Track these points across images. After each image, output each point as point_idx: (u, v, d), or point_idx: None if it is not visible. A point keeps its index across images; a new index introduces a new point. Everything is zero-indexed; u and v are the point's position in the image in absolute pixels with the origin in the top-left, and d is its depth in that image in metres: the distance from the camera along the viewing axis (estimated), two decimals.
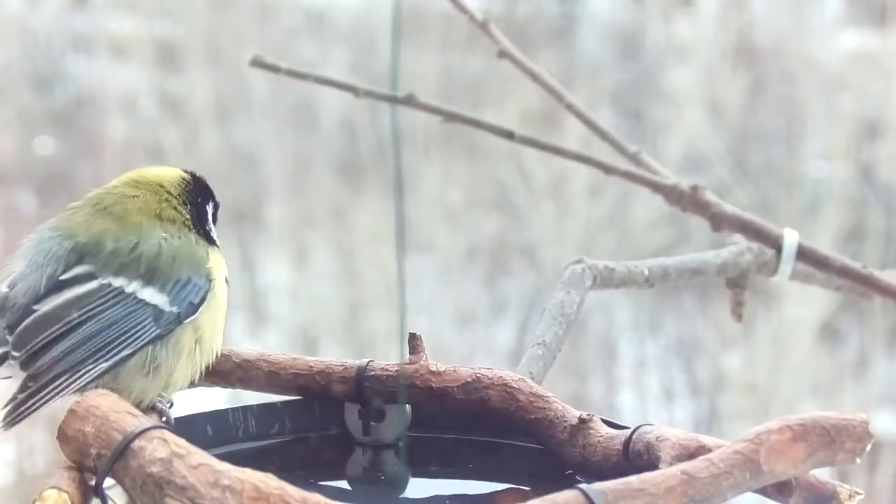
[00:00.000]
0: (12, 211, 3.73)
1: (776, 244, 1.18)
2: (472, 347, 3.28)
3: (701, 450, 0.78)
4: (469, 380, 0.88)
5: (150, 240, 0.85)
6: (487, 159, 3.52)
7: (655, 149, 3.31)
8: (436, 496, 0.84)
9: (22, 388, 0.79)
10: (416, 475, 0.86)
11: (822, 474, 0.76)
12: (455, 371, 0.88)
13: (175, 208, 0.88)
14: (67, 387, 0.80)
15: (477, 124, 1.11)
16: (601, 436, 0.84)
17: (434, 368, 0.88)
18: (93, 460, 0.71)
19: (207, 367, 0.86)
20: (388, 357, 0.90)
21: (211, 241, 0.89)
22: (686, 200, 1.16)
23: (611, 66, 3.72)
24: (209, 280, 0.86)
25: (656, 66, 3.60)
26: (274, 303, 3.71)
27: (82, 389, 0.79)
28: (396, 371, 0.88)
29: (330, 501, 0.65)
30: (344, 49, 3.77)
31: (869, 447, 0.73)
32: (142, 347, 0.82)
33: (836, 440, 0.72)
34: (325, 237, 3.62)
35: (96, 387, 0.80)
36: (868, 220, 3.36)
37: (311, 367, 0.89)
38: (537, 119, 3.08)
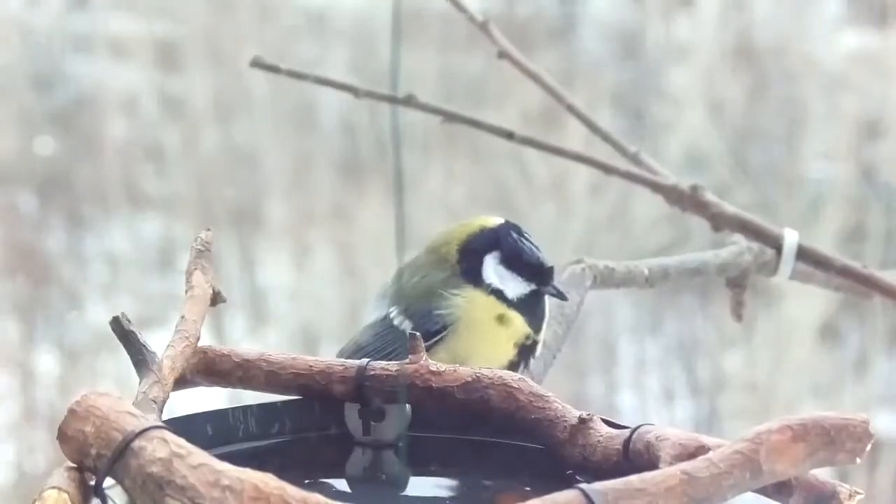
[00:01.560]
0: (12, 211, 3.73)
1: (776, 244, 1.18)
2: None
3: (701, 450, 0.78)
4: (469, 380, 0.88)
5: (419, 276, 0.98)
6: (488, 159, 3.52)
7: (656, 149, 3.31)
8: (436, 496, 0.84)
9: None
10: (416, 475, 0.86)
11: (822, 474, 0.76)
12: (455, 371, 0.88)
13: (453, 254, 0.98)
14: None
15: (477, 125, 1.11)
16: (601, 436, 0.84)
17: (434, 368, 0.88)
18: (93, 460, 0.71)
19: None
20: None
21: (487, 287, 0.97)
22: (686, 200, 1.16)
23: (611, 66, 3.72)
24: (450, 314, 0.96)
25: (656, 66, 3.61)
26: (274, 302, 3.71)
27: None
28: (396, 371, 0.88)
29: (330, 501, 0.65)
30: (344, 49, 3.77)
31: (869, 447, 0.73)
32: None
33: (836, 440, 0.72)
34: (325, 237, 3.63)
35: None
36: (869, 220, 3.36)
37: (311, 366, 0.89)
38: (538, 119, 3.08)
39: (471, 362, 0.93)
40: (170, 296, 3.50)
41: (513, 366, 0.97)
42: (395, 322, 0.97)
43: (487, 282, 0.97)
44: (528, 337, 0.98)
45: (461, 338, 0.96)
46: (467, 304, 0.96)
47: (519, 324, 0.97)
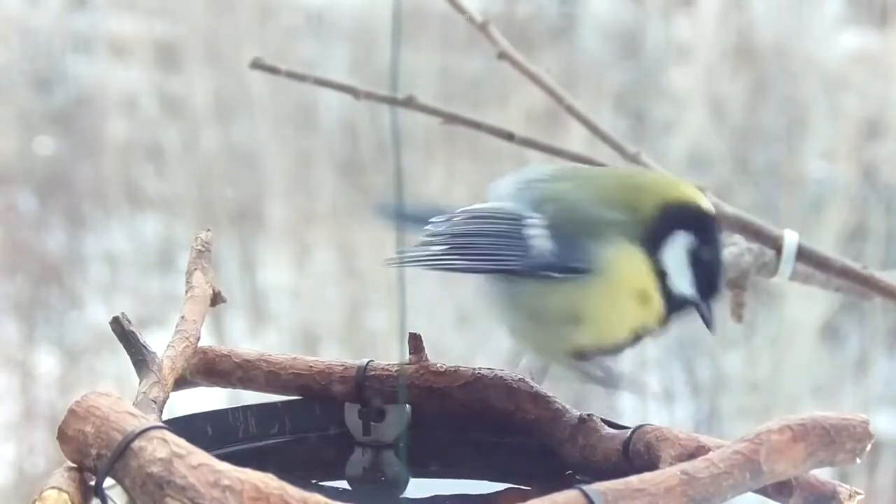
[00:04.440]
0: (12, 211, 3.73)
1: (776, 245, 1.18)
2: (472, 347, 3.27)
3: (701, 450, 0.78)
4: (469, 380, 0.88)
5: (581, 193, 0.84)
6: (490, 159, 3.52)
7: (657, 149, 3.31)
8: (436, 496, 0.84)
9: (421, 244, 0.85)
10: (416, 475, 0.86)
11: (822, 474, 0.76)
12: (455, 371, 0.88)
13: (648, 201, 0.83)
14: (434, 264, 0.85)
15: (477, 126, 1.11)
16: (601, 436, 0.84)
17: (434, 368, 0.89)
18: (93, 460, 0.71)
19: (588, 352, 0.85)
20: (388, 357, 0.90)
21: (651, 255, 0.83)
22: None
23: (611, 66, 3.72)
24: (598, 262, 0.81)
25: (657, 66, 3.60)
26: (274, 302, 3.71)
27: (447, 271, 0.84)
28: (396, 371, 0.88)
29: (330, 501, 0.65)
30: (344, 49, 3.77)
31: (869, 447, 0.73)
32: (495, 271, 0.83)
33: (836, 440, 0.72)
34: (325, 237, 3.62)
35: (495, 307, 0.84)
36: (869, 220, 3.35)
37: (311, 367, 0.89)
38: (540, 119, 3.08)
39: (585, 325, 0.82)
40: (170, 296, 3.49)
41: (617, 349, 0.85)
42: (528, 231, 0.82)
43: (661, 257, 0.83)
44: (649, 328, 0.84)
45: (594, 293, 0.81)
46: (620, 260, 0.81)
47: (655, 311, 0.83)
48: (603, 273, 0.82)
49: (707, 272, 0.84)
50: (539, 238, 0.82)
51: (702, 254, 0.83)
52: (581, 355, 0.86)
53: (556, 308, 0.83)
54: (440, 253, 0.84)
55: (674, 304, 0.84)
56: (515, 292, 0.84)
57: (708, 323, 0.84)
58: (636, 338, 0.85)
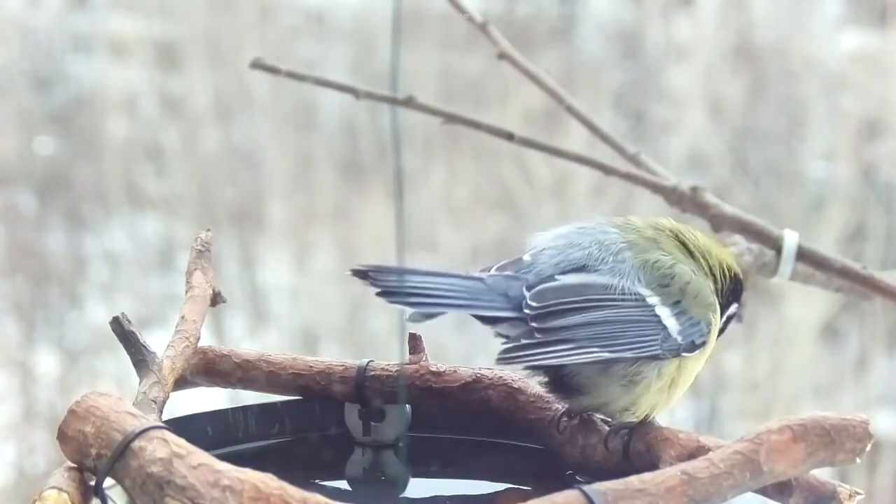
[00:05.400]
0: (12, 211, 3.73)
1: (776, 245, 1.18)
2: (472, 347, 3.27)
3: (701, 450, 0.78)
4: (469, 380, 0.88)
5: (684, 266, 0.86)
6: (490, 159, 3.52)
7: (657, 149, 3.31)
8: (436, 496, 0.84)
9: (528, 336, 0.81)
10: (416, 475, 0.86)
11: (822, 474, 0.76)
12: (455, 371, 0.88)
13: (696, 249, 0.89)
14: (566, 357, 0.81)
15: (476, 125, 1.11)
16: (601, 435, 0.84)
17: (434, 368, 0.89)
18: (93, 460, 0.71)
19: (662, 410, 0.86)
20: (388, 357, 0.90)
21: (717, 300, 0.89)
22: (686, 201, 1.16)
23: (611, 66, 3.72)
24: (710, 330, 0.86)
25: (656, 66, 3.61)
26: (274, 303, 3.71)
27: (575, 365, 0.82)
28: (396, 371, 0.88)
29: (330, 501, 0.65)
30: (344, 49, 3.77)
31: (869, 447, 0.73)
32: (642, 358, 0.83)
33: (836, 440, 0.72)
34: (325, 237, 3.63)
35: (575, 370, 0.83)
36: (869, 220, 3.36)
37: (311, 367, 0.89)
38: (540, 118, 3.08)
39: (683, 385, 0.86)
40: (170, 296, 3.50)
41: None
42: (659, 313, 0.84)
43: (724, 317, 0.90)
44: None
45: (698, 359, 0.86)
46: (715, 323, 0.87)
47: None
48: (709, 342, 0.87)
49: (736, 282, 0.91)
50: (671, 319, 0.85)
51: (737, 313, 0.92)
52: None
53: (667, 377, 0.84)
54: (576, 346, 0.82)
55: (724, 327, 0.91)
56: (641, 371, 0.84)
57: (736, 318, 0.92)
58: None
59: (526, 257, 0.86)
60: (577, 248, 0.86)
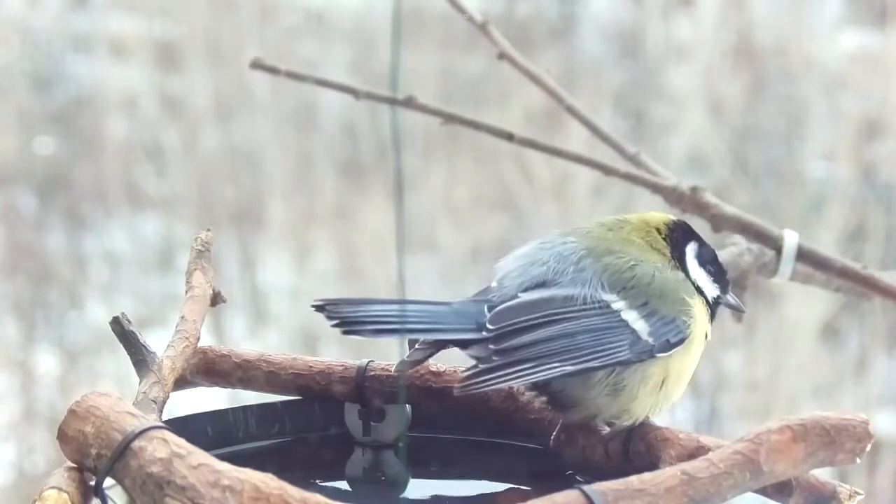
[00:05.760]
0: (12, 211, 3.73)
1: (776, 245, 1.18)
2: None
3: (701, 450, 0.78)
4: None
5: (645, 265, 0.85)
6: (491, 159, 3.52)
7: (657, 149, 3.31)
8: (436, 496, 0.84)
9: (486, 360, 0.81)
10: (416, 475, 0.86)
11: (822, 474, 0.76)
12: (455, 371, 0.88)
13: (662, 241, 0.88)
14: (528, 376, 0.81)
15: (476, 126, 1.11)
16: (601, 436, 0.84)
17: (434, 368, 0.89)
18: (93, 460, 0.71)
19: (661, 410, 0.85)
20: (388, 357, 0.90)
21: (696, 290, 0.87)
22: (686, 201, 1.16)
23: (611, 66, 3.72)
24: (689, 325, 0.84)
25: (657, 66, 3.60)
26: (274, 303, 3.71)
27: (542, 382, 0.81)
28: (396, 371, 0.88)
29: (330, 501, 0.65)
30: (344, 49, 3.77)
31: (869, 447, 0.73)
32: (609, 365, 0.82)
33: (836, 440, 0.72)
34: (326, 237, 3.62)
35: (559, 386, 0.82)
36: (869, 220, 3.36)
37: (311, 367, 0.89)
38: (541, 119, 3.08)
39: (678, 381, 0.84)
40: (170, 296, 3.49)
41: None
42: (626, 317, 0.83)
43: (692, 276, 0.87)
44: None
45: (684, 353, 0.84)
46: (699, 317, 0.85)
47: (708, 338, 0.87)
48: (692, 334, 0.85)
49: (713, 266, 0.89)
50: (639, 322, 0.83)
51: (706, 252, 0.89)
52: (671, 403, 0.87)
53: (656, 376, 0.83)
54: (536, 364, 0.81)
55: (713, 313, 0.88)
56: (622, 376, 0.83)
57: (737, 308, 0.90)
58: None
59: (493, 283, 0.86)
60: (537, 265, 0.85)
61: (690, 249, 0.88)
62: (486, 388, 0.81)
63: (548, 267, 0.85)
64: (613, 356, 0.82)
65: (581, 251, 0.85)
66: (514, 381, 0.81)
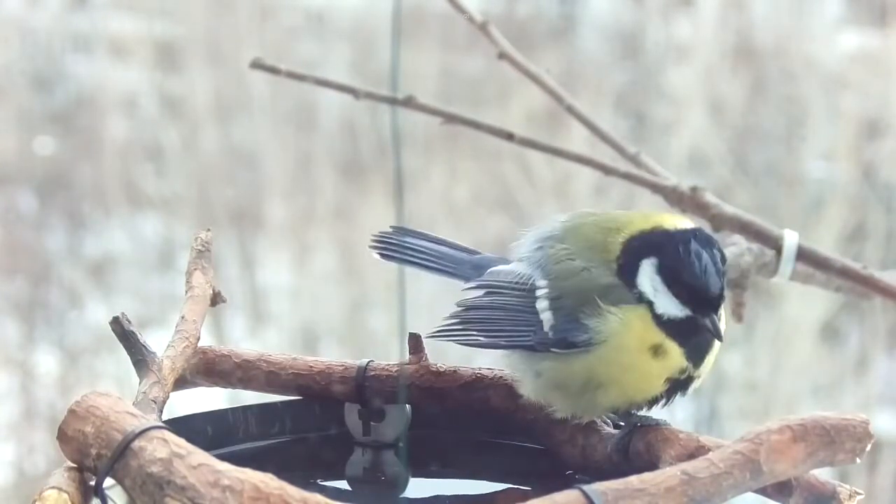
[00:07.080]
0: (12, 211, 3.73)
1: (776, 245, 1.18)
2: (471, 348, 3.28)
3: (701, 450, 0.78)
4: (469, 380, 0.88)
5: (578, 261, 0.83)
6: (491, 159, 3.52)
7: (657, 149, 3.31)
8: (436, 496, 0.84)
9: (453, 314, 0.86)
10: (416, 475, 0.86)
11: (822, 474, 0.76)
12: (455, 371, 0.88)
13: (619, 245, 0.83)
14: (453, 336, 0.86)
15: (476, 126, 1.11)
16: (601, 436, 0.84)
17: (434, 368, 0.89)
18: (93, 460, 0.71)
19: (594, 414, 0.84)
20: (388, 357, 0.90)
21: (640, 300, 0.82)
22: (686, 201, 1.16)
23: (611, 66, 3.72)
24: (599, 330, 0.81)
25: (657, 67, 3.61)
26: (274, 302, 3.71)
27: (467, 346, 0.86)
28: (396, 371, 0.88)
29: (330, 501, 0.65)
30: (344, 49, 3.77)
31: (869, 447, 0.73)
32: (514, 347, 0.84)
33: (836, 440, 0.72)
34: (325, 237, 3.63)
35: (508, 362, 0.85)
36: (869, 220, 3.36)
37: (311, 367, 0.89)
38: (542, 118, 3.08)
39: (609, 389, 0.82)
40: (170, 296, 3.50)
41: (655, 400, 0.83)
42: (539, 306, 0.83)
43: (641, 289, 0.82)
44: (683, 371, 0.82)
45: (605, 361, 0.81)
46: (622, 327, 0.81)
47: (676, 357, 0.82)
48: (608, 342, 0.82)
49: (686, 285, 0.81)
50: (546, 312, 0.83)
51: (671, 269, 0.82)
52: (617, 411, 0.84)
53: (577, 377, 0.82)
54: (461, 327, 0.85)
55: (682, 333, 0.82)
56: (537, 364, 0.83)
57: (715, 334, 0.82)
58: (676, 384, 0.83)
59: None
60: (530, 240, 0.88)
61: (649, 262, 0.82)
62: (432, 337, 0.87)
63: (528, 242, 0.87)
64: (519, 339, 0.84)
65: (555, 233, 0.86)
66: (445, 338, 0.86)
